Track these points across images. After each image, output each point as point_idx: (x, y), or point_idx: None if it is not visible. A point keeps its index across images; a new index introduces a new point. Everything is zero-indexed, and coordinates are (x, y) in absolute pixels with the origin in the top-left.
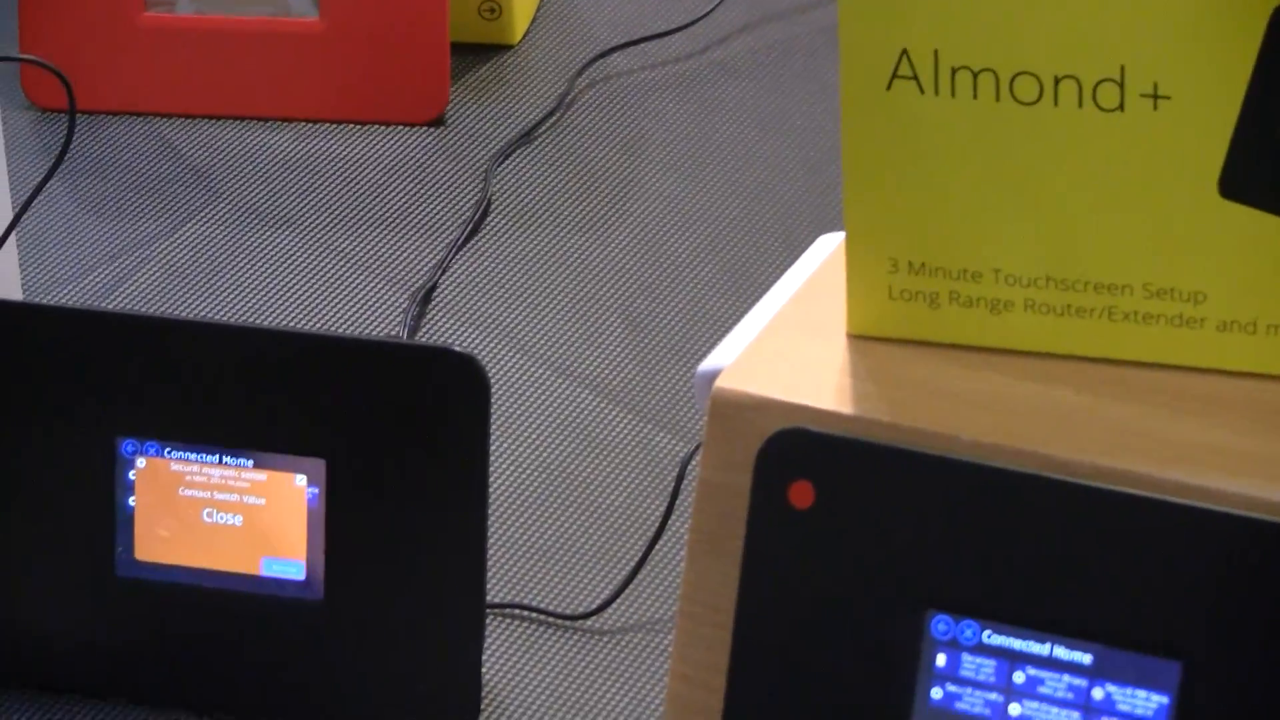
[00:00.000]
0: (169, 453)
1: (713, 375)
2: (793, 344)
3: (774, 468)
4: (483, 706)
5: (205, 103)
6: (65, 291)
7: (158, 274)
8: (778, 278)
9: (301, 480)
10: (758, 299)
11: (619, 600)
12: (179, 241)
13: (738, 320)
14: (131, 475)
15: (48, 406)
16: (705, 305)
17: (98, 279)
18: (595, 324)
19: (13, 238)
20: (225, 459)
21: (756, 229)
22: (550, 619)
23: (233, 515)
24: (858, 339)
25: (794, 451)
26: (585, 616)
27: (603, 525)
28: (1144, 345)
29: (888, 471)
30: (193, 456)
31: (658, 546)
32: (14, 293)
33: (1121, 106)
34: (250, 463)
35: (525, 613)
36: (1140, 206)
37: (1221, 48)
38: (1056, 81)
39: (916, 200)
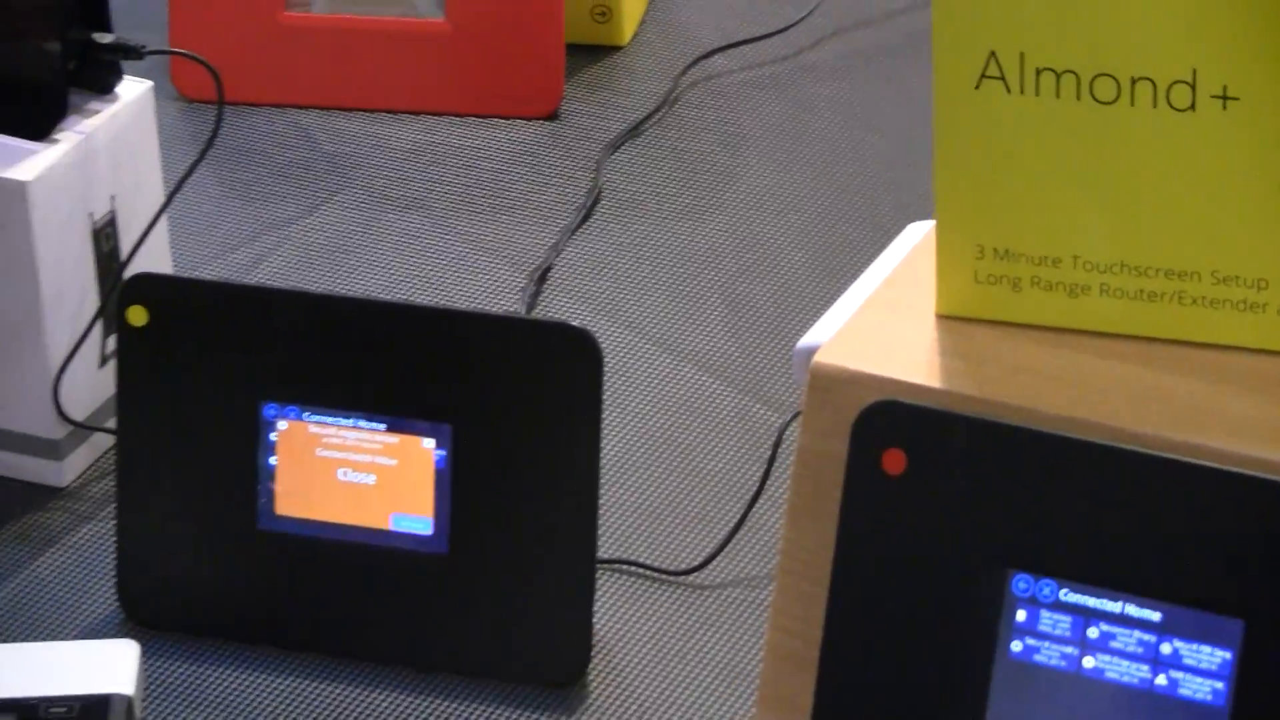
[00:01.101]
0: (307, 416)
1: (811, 351)
2: (885, 323)
3: (869, 437)
4: (592, 654)
5: (339, 95)
6: (210, 268)
7: (295, 253)
8: (864, 262)
9: (430, 443)
10: (845, 282)
11: (719, 558)
12: (314, 223)
13: (827, 301)
14: (273, 437)
15: (198, 373)
16: (797, 287)
17: (240, 257)
18: (697, 303)
19: (164, 218)
20: (360, 423)
21: (844, 218)
22: (655, 574)
23: (366, 474)
24: (946, 319)
25: (887, 422)
26: (688, 572)
27: (703, 489)
28: (1210, 328)
29: (974, 441)
30: (329, 420)
31: (755, 509)
32: (165, 269)
33: (1193, 107)
34: (383, 426)
35: (632, 568)
36: (1208, 199)
37: None
38: (1133, 83)
39: (1002, 191)
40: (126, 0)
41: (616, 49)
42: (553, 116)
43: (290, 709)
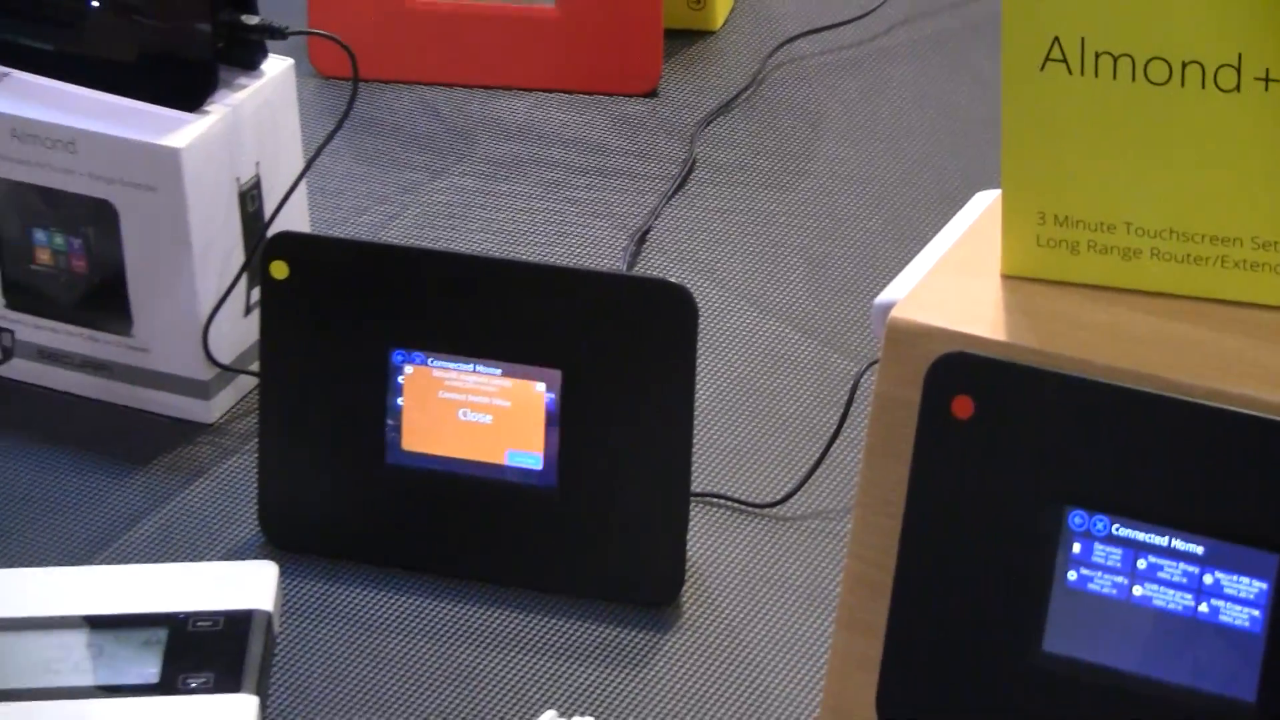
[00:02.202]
0: (431, 362)
1: (888, 307)
2: (955, 282)
3: (940, 384)
4: (685, 578)
5: (460, 74)
6: (343, 228)
7: (420, 215)
8: (933, 228)
9: (541, 387)
10: (915, 245)
11: (800, 492)
12: (437, 188)
13: (899, 263)
14: (400, 380)
15: (333, 322)
16: (871, 250)
17: (370, 218)
18: (780, 263)
19: (303, 183)
20: (479, 368)
21: (914, 187)
22: (742, 507)
23: (483, 415)
24: (1010, 279)
25: (957, 371)
26: (772, 505)
27: (786, 430)
28: (1250, 288)
29: (1035, 389)
30: (451, 365)
31: (832, 449)
32: (303, 228)
33: (1238, 88)
34: (499, 371)
35: (722, 501)
36: (1250, 172)
37: None
38: (1184, 66)
39: (1063, 163)
40: None
41: (709, 34)
42: (652, 94)
43: (412, 624)
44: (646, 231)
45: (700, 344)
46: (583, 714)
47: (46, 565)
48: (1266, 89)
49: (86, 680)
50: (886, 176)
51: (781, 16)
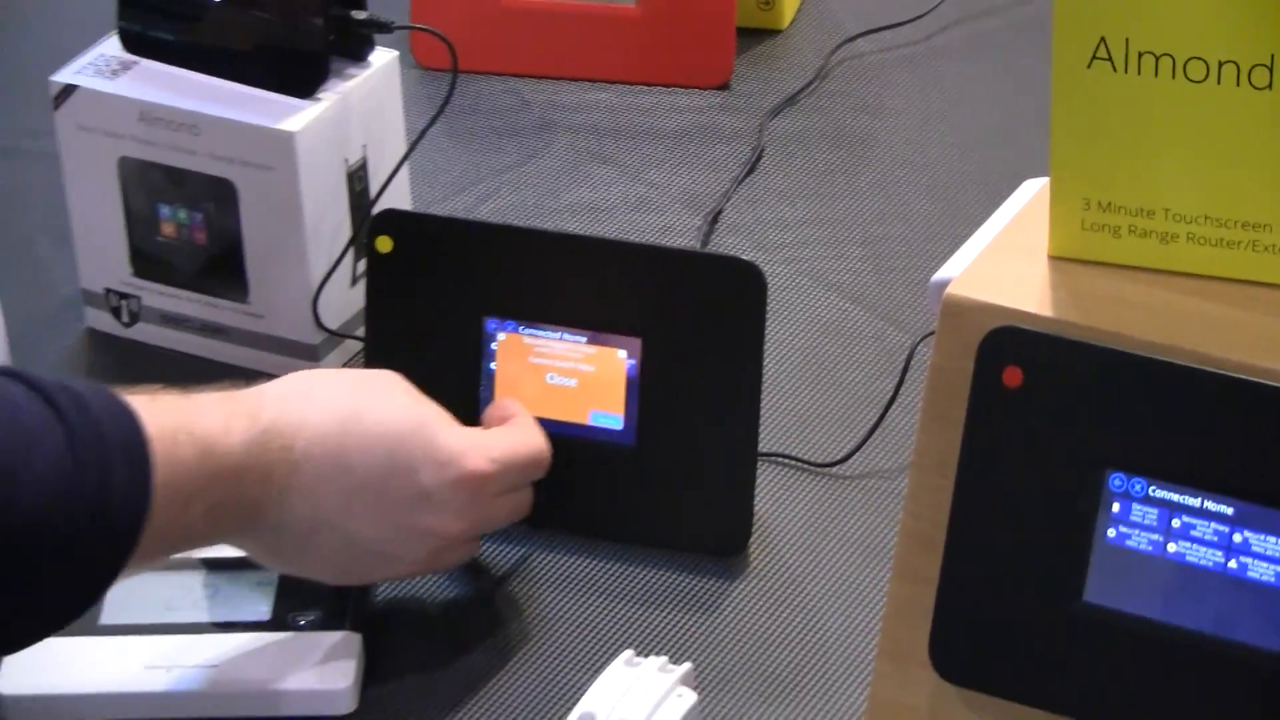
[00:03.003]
0: (522, 330)
1: (944, 284)
2: (1006, 261)
3: (992, 356)
4: (752, 530)
5: (549, 66)
6: (442, 206)
7: (511, 195)
8: (981, 213)
9: (623, 354)
10: (967, 228)
11: (858, 453)
12: (527, 171)
13: (951, 244)
14: (493, 346)
15: (432, 292)
16: (925, 231)
17: (466, 198)
18: (841, 243)
19: (405, 165)
20: (565, 336)
21: (965, 175)
22: (805, 466)
23: (569, 379)
24: (1056, 259)
25: (1008, 344)
26: (832, 465)
27: (845, 396)
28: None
29: (1080, 361)
30: (540, 333)
31: (888, 414)
32: (405, 205)
33: (1270, 86)
34: (584, 339)
35: (786, 460)
36: None
37: None
38: (1220, 65)
39: (1106, 154)
40: None
41: (777, 32)
42: (724, 87)
43: (501, 564)
44: (719, 212)
45: (768, 316)
46: (657, 654)
47: None
48: None
49: (203, 617)
50: (939, 164)
51: (843, 17)
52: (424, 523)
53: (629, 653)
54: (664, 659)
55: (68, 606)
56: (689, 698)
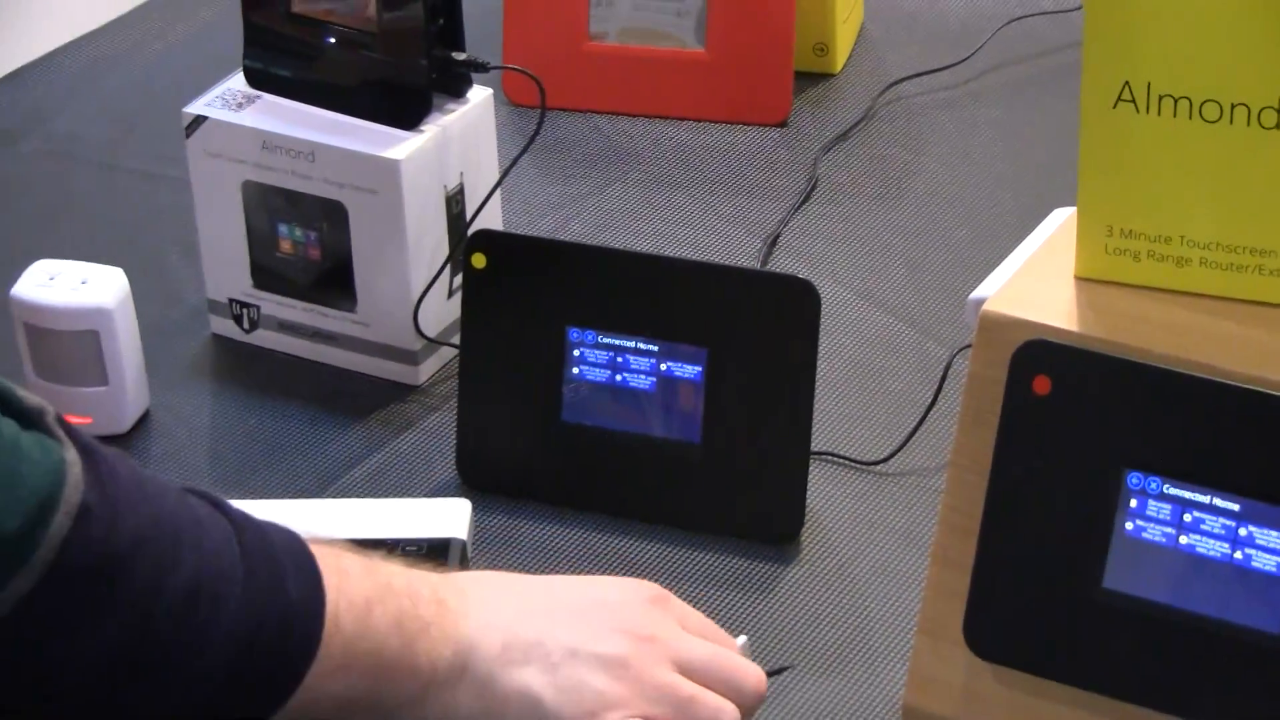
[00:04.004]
0: (600, 338)
1: (980, 302)
2: (1037, 282)
3: (1023, 366)
4: (805, 520)
5: (625, 104)
6: (529, 228)
7: (591, 219)
8: (1013, 239)
9: (691, 362)
10: (998, 252)
11: (900, 453)
12: (606, 198)
13: (984, 266)
14: (575, 353)
15: (521, 304)
16: (961, 255)
17: (550, 221)
18: (885, 265)
19: (498, 191)
20: (639, 344)
21: (998, 204)
22: (852, 463)
23: (646, 383)
24: (1082, 280)
25: (1038, 355)
26: (877, 463)
27: (889, 402)
28: None
29: (1103, 371)
30: (617, 341)
31: (928, 418)
32: (496, 226)
33: (1278, 126)
34: (657, 348)
35: (836, 459)
36: None
37: None
38: (1233, 107)
39: (1128, 186)
40: (474, 29)
41: (831, 76)
42: (783, 124)
43: (578, 553)
44: (777, 236)
45: (821, 329)
46: (740, 634)
47: (283, 498)
48: None
49: None
50: (974, 196)
51: (890, 63)
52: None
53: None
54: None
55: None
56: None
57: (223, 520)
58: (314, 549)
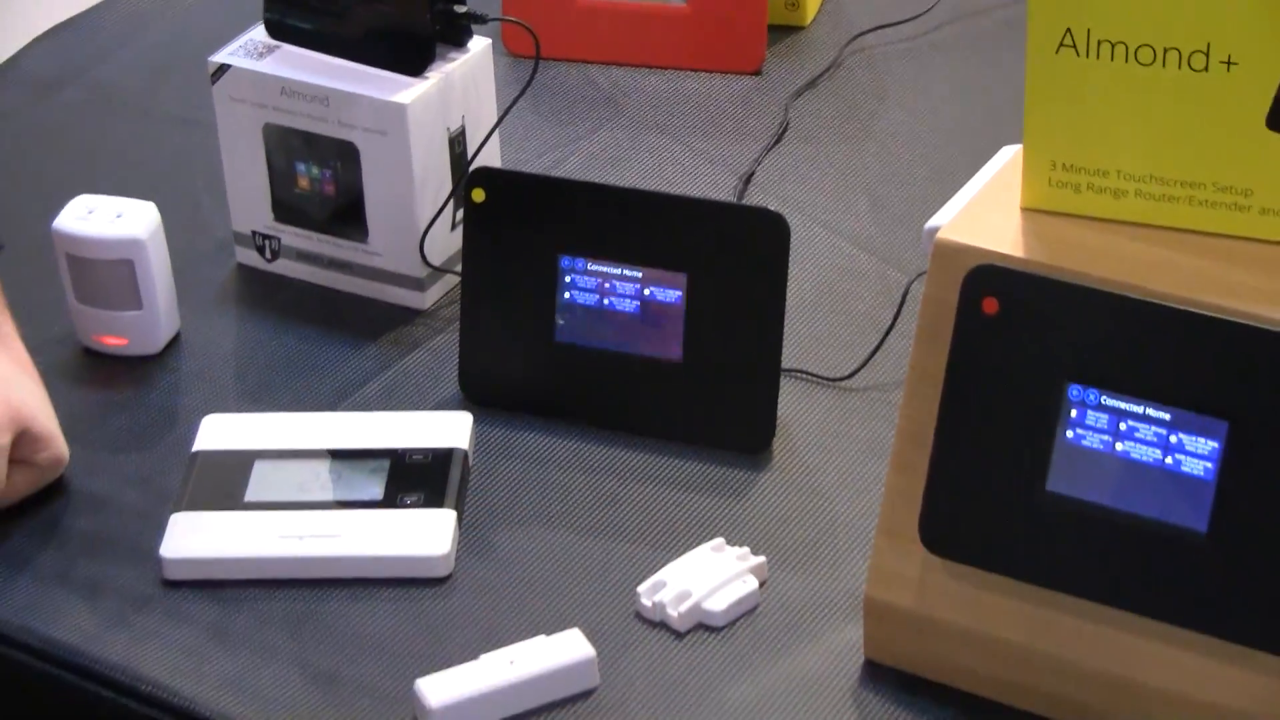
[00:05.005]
0: (589, 265)
1: (935, 230)
2: (987, 212)
3: (973, 288)
4: (776, 431)
5: (614, 54)
6: (525, 167)
7: (581, 159)
8: (966, 178)
9: (672, 286)
10: (954, 189)
11: (862, 370)
12: (594, 141)
13: (940, 202)
14: (567, 279)
15: (516, 233)
16: (919, 191)
17: (545, 160)
18: (850, 199)
19: (495, 133)
20: (625, 271)
21: (953, 145)
22: (818, 379)
23: (630, 306)
24: (1028, 211)
25: (987, 279)
26: (841, 379)
27: (852, 323)
28: (1212, 221)
29: (1046, 293)
30: (604, 268)
31: (888, 338)
32: (495, 164)
33: (1206, 69)
34: (640, 274)
35: (804, 375)
36: (1212, 133)
37: (1274, 32)
38: (1165, 51)
39: (1070, 124)
40: None
41: (801, 28)
42: (757, 72)
43: (571, 460)
44: (751, 174)
45: (790, 258)
46: (716, 536)
47: (302, 411)
48: (1228, 70)
49: (329, 496)
50: (932, 138)
51: (855, 15)
52: None
53: (720, 540)
54: (745, 549)
55: None
56: (750, 584)
57: None
58: None
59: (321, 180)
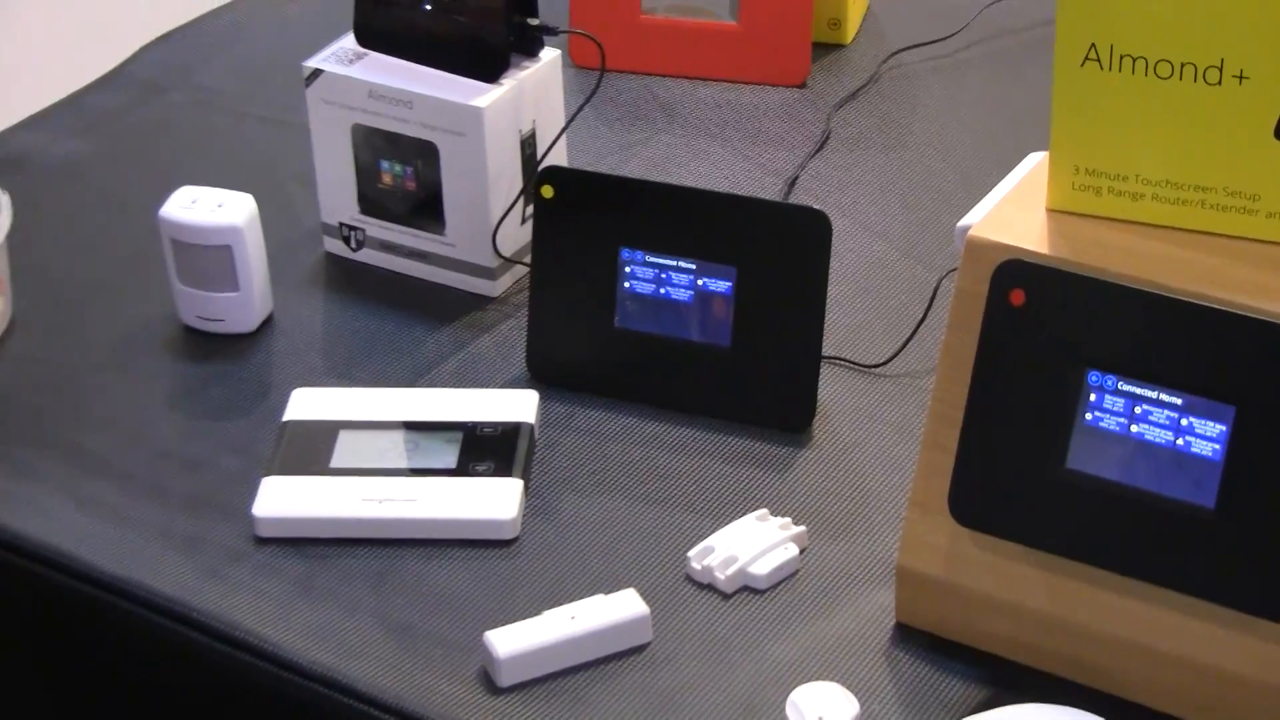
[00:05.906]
0: (647, 257)
1: (966, 228)
2: (1015, 212)
3: (1002, 281)
4: (816, 412)
5: (672, 67)
6: (589, 168)
7: (641, 163)
8: (994, 183)
9: (723, 278)
10: (982, 195)
11: (896, 358)
12: (653, 145)
13: (969, 206)
14: (627, 269)
15: (582, 229)
16: (949, 196)
17: (608, 162)
18: (885, 203)
19: (563, 136)
20: (680, 263)
21: (981, 153)
22: (855, 366)
23: (685, 295)
24: (1052, 211)
25: (1015, 272)
26: (876, 366)
27: (887, 315)
28: (1222, 223)
29: (1069, 286)
30: (662, 261)
31: (920, 327)
32: (563, 164)
33: (1220, 82)
34: (694, 267)
35: (842, 362)
36: (1224, 142)
37: None
38: (1182, 66)
39: (1093, 131)
40: (545, 3)
41: (843, 46)
42: (802, 85)
43: (628, 435)
44: (796, 178)
45: (831, 255)
46: (760, 507)
47: (384, 387)
48: (1240, 84)
49: (406, 464)
50: (962, 148)
51: (893, 34)
52: None
53: (764, 510)
54: (788, 519)
55: None
56: (792, 551)
57: None
58: None
59: (403, 177)
